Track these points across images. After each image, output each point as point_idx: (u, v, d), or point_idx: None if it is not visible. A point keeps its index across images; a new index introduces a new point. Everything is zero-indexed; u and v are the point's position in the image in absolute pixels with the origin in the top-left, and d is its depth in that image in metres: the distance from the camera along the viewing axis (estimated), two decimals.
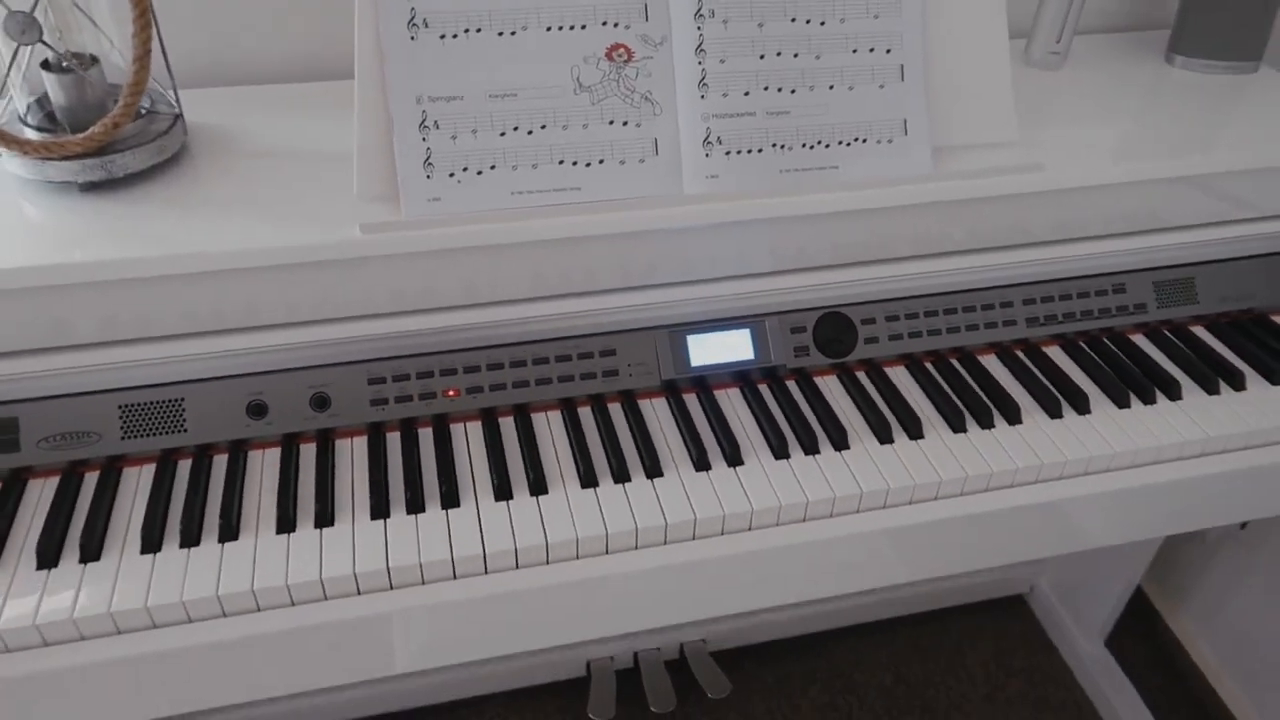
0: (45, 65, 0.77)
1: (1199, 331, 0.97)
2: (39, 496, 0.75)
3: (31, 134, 0.76)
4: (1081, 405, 0.87)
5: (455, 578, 0.73)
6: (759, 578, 0.79)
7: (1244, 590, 1.39)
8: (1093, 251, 0.94)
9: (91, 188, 0.78)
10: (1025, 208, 0.90)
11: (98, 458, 0.78)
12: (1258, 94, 1.04)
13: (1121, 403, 0.88)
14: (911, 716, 1.43)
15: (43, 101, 0.79)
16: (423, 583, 0.73)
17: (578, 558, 0.75)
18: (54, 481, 0.76)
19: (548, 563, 0.75)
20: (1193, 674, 1.46)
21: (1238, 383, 0.90)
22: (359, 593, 0.72)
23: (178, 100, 0.82)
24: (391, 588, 0.72)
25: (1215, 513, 0.90)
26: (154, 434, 0.78)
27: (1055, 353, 0.94)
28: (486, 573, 0.74)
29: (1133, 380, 0.89)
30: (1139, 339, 0.96)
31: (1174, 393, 0.89)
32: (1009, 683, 1.48)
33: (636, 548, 0.76)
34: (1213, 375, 0.90)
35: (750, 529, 0.78)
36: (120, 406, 0.78)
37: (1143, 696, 1.42)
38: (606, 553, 0.76)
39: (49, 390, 0.77)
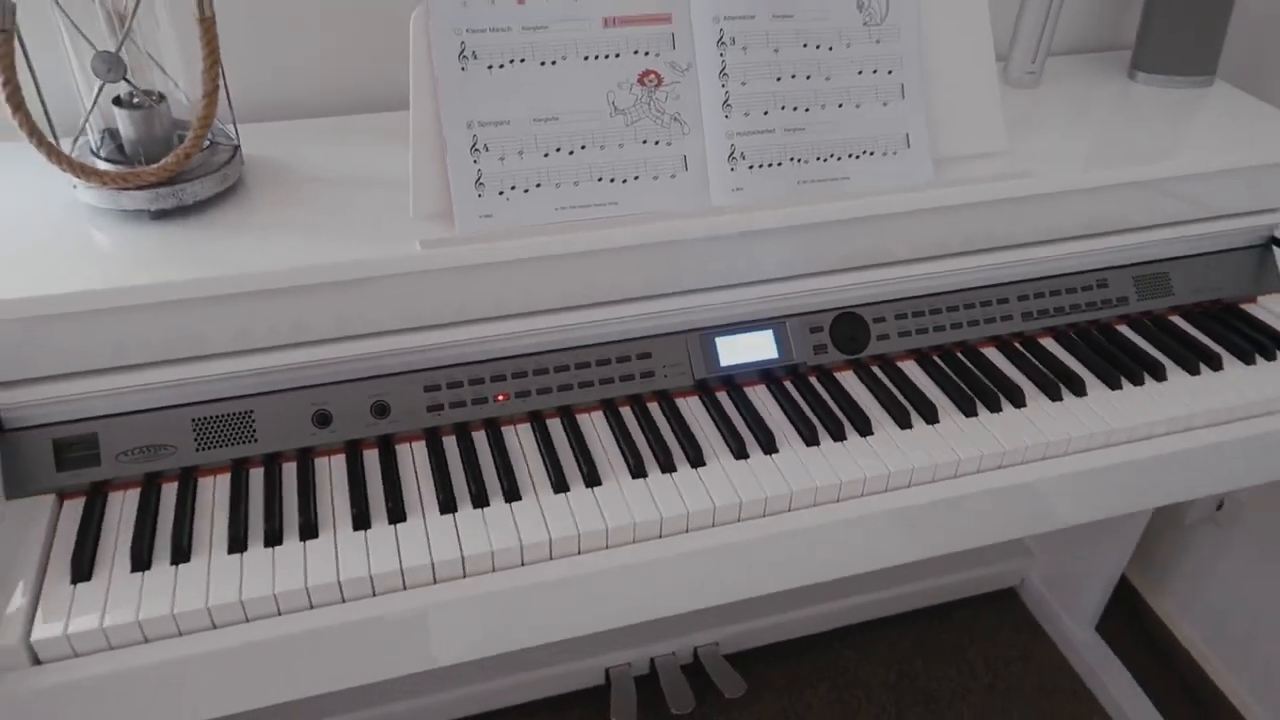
0: (117, 101, 0.82)
1: (1177, 320, 1.06)
2: (121, 507, 0.79)
3: (104, 166, 0.81)
4: (1078, 389, 0.95)
5: (523, 564, 0.78)
6: (797, 556, 0.86)
7: (1220, 570, 1.48)
8: (1078, 251, 1.03)
9: (162, 215, 0.83)
10: (1016, 211, 0.99)
11: (173, 469, 0.82)
12: (1213, 105, 1.15)
13: (1114, 385, 0.96)
14: (917, 709, 1.49)
15: (112, 135, 0.84)
16: (493, 570, 0.78)
17: (634, 542, 0.81)
18: (134, 493, 0.80)
19: (607, 547, 0.80)
20: (1178, 652, 1.55)
21: (1215, 364, 0.99)
22: (435, 581, 0.77)
23: (237, 132, 0.88)
24: (465, 576, 0.77)
25: (1203, 482, 0.98)
26: (226, 445, 0.83)
27: (1050, 343, 1.02)
28: (551, 558, 0.79)
29: (1122, 365, 0.98)
30: (1123, 328, 1.05)
31: (1159, 374, 0.97)
32: (1007, 671, 1.55)
33: (687, 531, 0.82)
34: (1193, 358, 0.99)
35: (790, 510, 0.84)
36: (194, 420, 0.82)
37: (1134, 676, 1.50)
38: (660, 537, 0.81)
39: (126, 406, 0.81)
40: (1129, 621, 1.62)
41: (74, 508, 0.79)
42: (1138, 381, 0.97)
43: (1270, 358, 1.01)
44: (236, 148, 0.88)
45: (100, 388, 0.80)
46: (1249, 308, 1.09)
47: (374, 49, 1.03)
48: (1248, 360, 1.00)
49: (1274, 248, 1.10)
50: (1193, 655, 1.53)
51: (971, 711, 1.48)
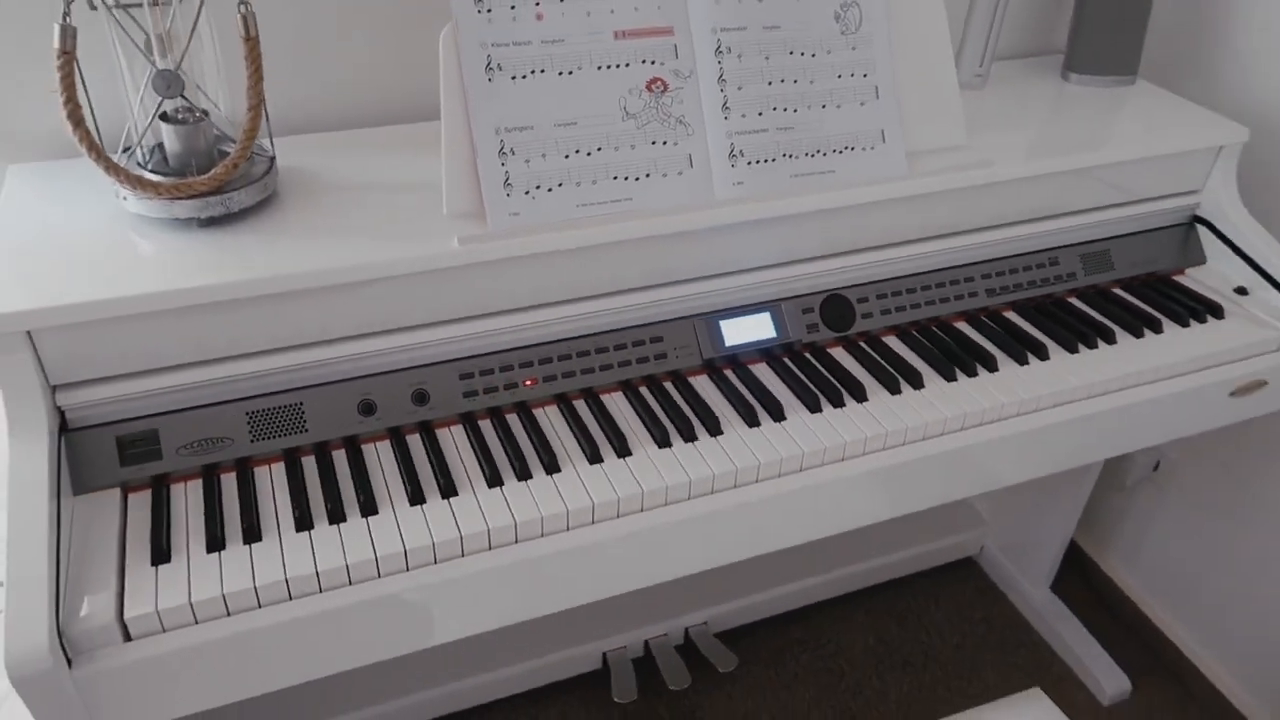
0: (163, 117, 0.87)
1: (1119, 291, 1.19)
2: (185, 496, 0.84)
3: (155, 178, 0.86)
4: (1041, 354, 1.06)
5: (568, 529, 0.86)
6: (810, 511, 0.95)
7: (1158, 527, 1.62)
8: (1031, 233, 1.15)
9: (210, 222, 0.88)
10: (978, 197, 1.10)
11: (230, 460, 0.87)
12: (1136, 101, 1.28)
13: (1071, 349, 1.08)
14: (895, 670, 1.59)
15: (158, 149, 0.89)
16: (543, 535, 0.85)
17: (666, 504, 0.89)
18: (196, 483, 0.85)
19: (642, 510, 0.88)
20: (1126, 604, 1.68)
21: (1156, 328, 1.12)
22: (490, 548, 0.83)
23: (272, 144, 0.94)
24: (517, 541, 0.84)
25: (1151, 432, 1.10)
26: (279, 435, 0.88)
27: (1012, 315, 1.13)
28: (594, 523, 0.86)
29: (1077, 331, 1.10)
30: (1074, 300, 1.17)
31: (1110, 338, 1.09)
32: (973, 632, 1.66)
33: (713, 492, 0.90)
34: (1136, 323, 1.11)
35: (801, 469, 0.93)
36: (248, 413, 0.87)
37: (1088, 629, 1.63)
38: (689, 499, 0.89)
39: (184, 403, 0.86)
40: (1080, 580, 1.75)
41: (141, 499, 0.83)
42: (1092, 345, 1.09)
43: (1202, 320, 1.14)
44: (272, 159, 0.94)
45: (159, 386, 0.85)
46: (1179, 278, 1.22)
47: (393, 66, 1.09)
48: (1183, 323, 1.13)
49: (1196, 226, 1.24)
50: (1139, 606, 1.67)
51: (943, 669, 1.59)
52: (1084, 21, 1.29)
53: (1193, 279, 1.23)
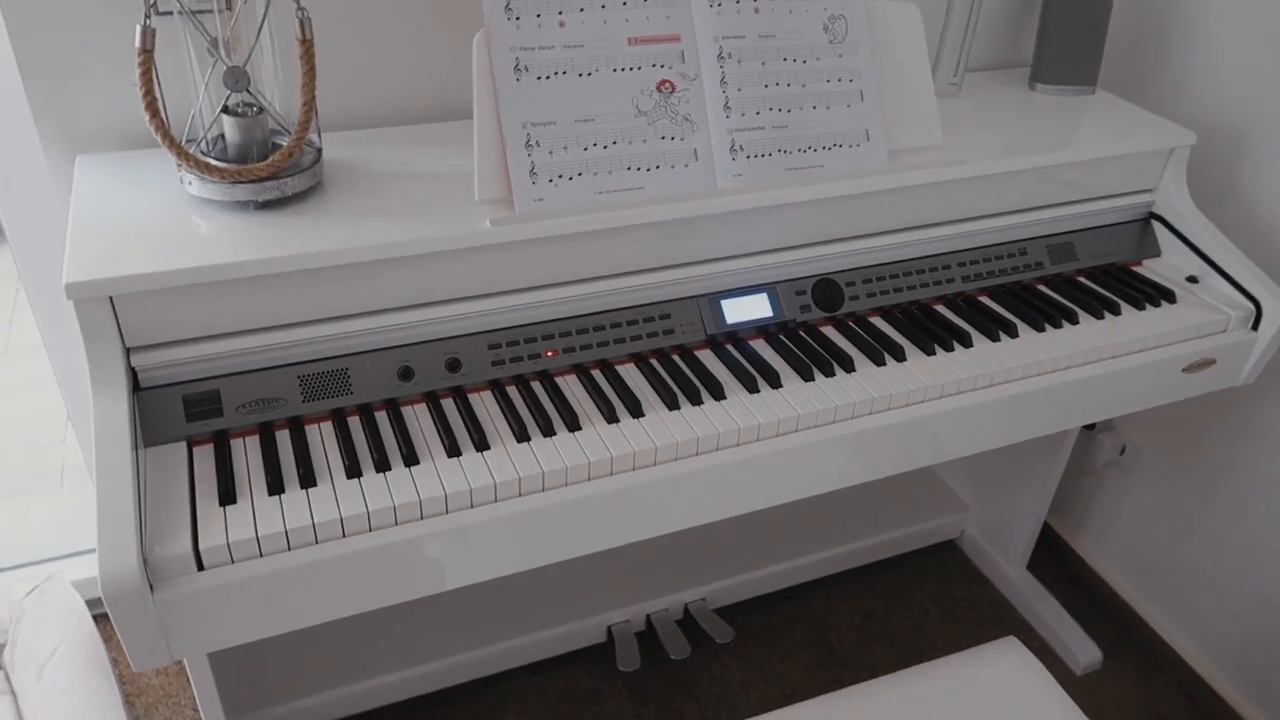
0: (225, 110, 0.98)
1: (1082, 279, 1.30)
2: (245, 449, 0.93)
3: (219, 164, 0.96)
4: (1012, 332, 1.17)
5: (589, 479, 0.96)
6: (802, 469, 1.05)
7: (1126, 508, 1.73)
8: (1002, 225, 1.26)
9: (266, 205, 0.98)
10: (953, 191, 1.21)
11: (282, 419, 0.96)
12: (1095, 109, 1.41)
13: (1039, 328, 1.19)
14: (882, 644, 1.69)
15: (220, 139, 0.99)
16: (566, 484, 0.95)
17: (676, 459, 0.99)
18: (254, 439, 0.95)
19: (655, 464, 0.98)
20: (1097, 581, 1.79)
21: (1115, 310, 1.23)
22: (520, 495, 0.93)
23: (320, 137, 1.04)
24: (544, 489, 0.94)
25: (1111, 403, 1.21)
26: (327, 397, 0.98)
27: (985, 299, 1.24)
28: (612, 474, 0.96)
29: (1044, 313, 1.21)
30: (1041, 286, 1.28)
31: (1074, 319, 1.21)
32: (955, 609, 1.76)
33: (718, 449, 1.00)
34: (1098, 307, 1.23)
35: (796, 430, 1.03)
36: (299, 377, 0.97)
37: (1063, 605, 1.73)
38: (696, 454, 0.99)
39: (243, 366, 0.96)
40: (1055, 560, 1.86)
41: (205, 451, 0.93)
42: (1057, 325, 1.20)
43: (1156, 304, 1.26)
44: (319, 150, 1.04)
45: (221, 350, 0.94)
46: (1137, 268, 1.34)
47: (428, 70, 1.20)
48: (1139, 307, 1.25)
49: (1152, 221, 1.36)
50: (1109, 583, 1.77)
51: (927, 644, 1.69)
52: (1048, 37, 1.41)
53: (1148, 269, 1.34)
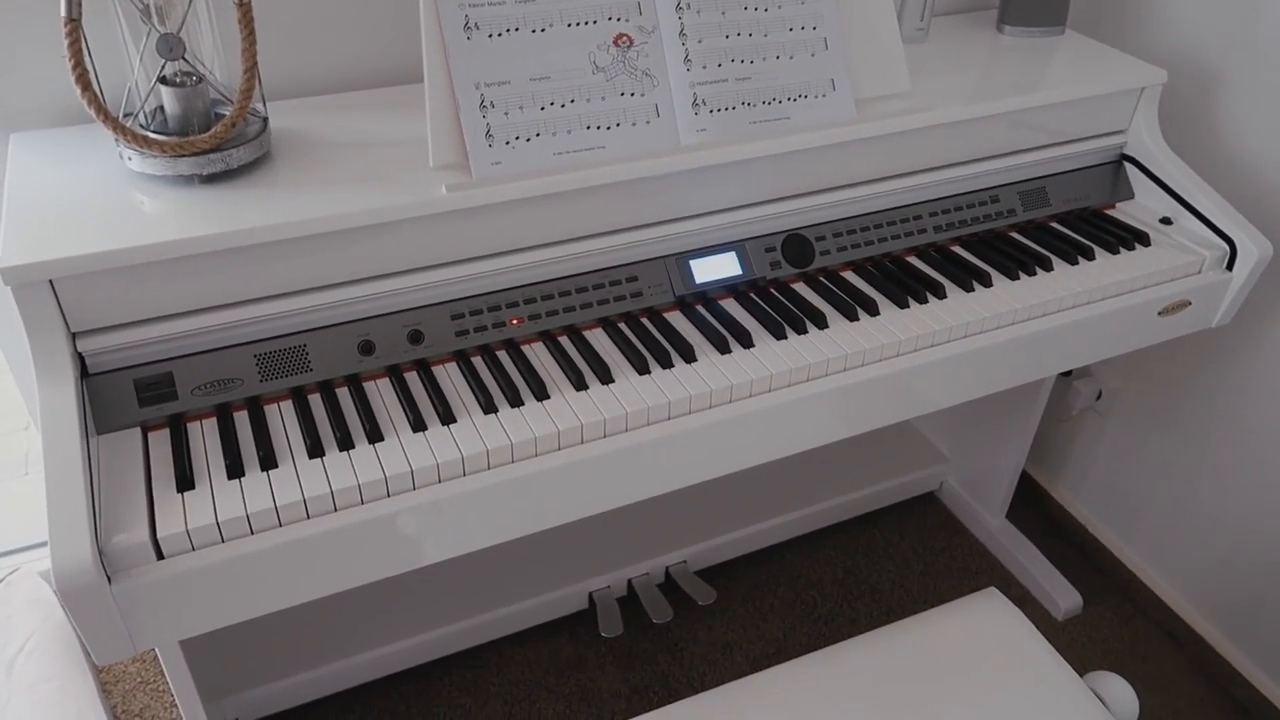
0: (163, 80, 0.93)
1: (1055, 225, 1.29)
2: (202, 432, 0.91)
3: (159, 137, 0.92)
4: (986, 281, 1.16)
5: (560, 448, 0.93)
6: (777, 429, 1.03)
7: (1102, 454, 1.74)
8: (973, 173, 1.24)
9: (211, 179, 0.94)
10: (922, 139, 1.18)
11: (239, 399, 0.93)
12: (1064, 50, 1.38)
13: (1013, 276, 1.17)
14: (864, 599, 1.69)
15: (158, 112, 0.95)
16: (536, 454, 0.92)
17: (649, 424, 0.97)
18: (211, 421, 0.92)
19: (626, 430, 0.96)
20: (1075, 527, 1.79)
21: (1090, 255, 1.22)
22: (489, 467, 0.91)
23: (265, 106, 1.00)
24: (513, 461, 0.92)
25: (1086, 350, 1.20)
26: (286, 375, 0.94)
27: (958, 249, 1.22)
28: (583, 442, 0.94)
29: (1018, 261, 1.19)
30: (1014, 234, 1.26)
31: (1048, 266, 1.19)
32: (936, 561, 1.77)
33: (690, 412, 0.98)
34: (1072, 252, 1.21)
35: (770, 390, 1.01)
36: (256, 355, 0.94)
37: (1042, 552, 1.74)
38: (669, 419, 0.97)
39: (196, 347, 0.92)
40: (1033, 508, 1.87)
41: (160, 436, 0.90)
42: (1031, 273, 1.18)
43: (1130, 248, 1.24)
44: (265, 120, 1.00)
45: (172, 331, 0.91)
46: (1110, 212, 1.32)
47: (376, 33, 1.16)
48: (1114, 251, 1.23)
49: (1124, 163, 1.34)
50: (1087, 529, 1.78)
51: (909, 597, 1.69)
52: None
53: (1122, 212, 1.33)
